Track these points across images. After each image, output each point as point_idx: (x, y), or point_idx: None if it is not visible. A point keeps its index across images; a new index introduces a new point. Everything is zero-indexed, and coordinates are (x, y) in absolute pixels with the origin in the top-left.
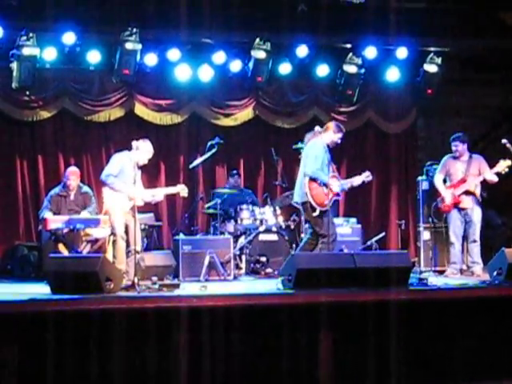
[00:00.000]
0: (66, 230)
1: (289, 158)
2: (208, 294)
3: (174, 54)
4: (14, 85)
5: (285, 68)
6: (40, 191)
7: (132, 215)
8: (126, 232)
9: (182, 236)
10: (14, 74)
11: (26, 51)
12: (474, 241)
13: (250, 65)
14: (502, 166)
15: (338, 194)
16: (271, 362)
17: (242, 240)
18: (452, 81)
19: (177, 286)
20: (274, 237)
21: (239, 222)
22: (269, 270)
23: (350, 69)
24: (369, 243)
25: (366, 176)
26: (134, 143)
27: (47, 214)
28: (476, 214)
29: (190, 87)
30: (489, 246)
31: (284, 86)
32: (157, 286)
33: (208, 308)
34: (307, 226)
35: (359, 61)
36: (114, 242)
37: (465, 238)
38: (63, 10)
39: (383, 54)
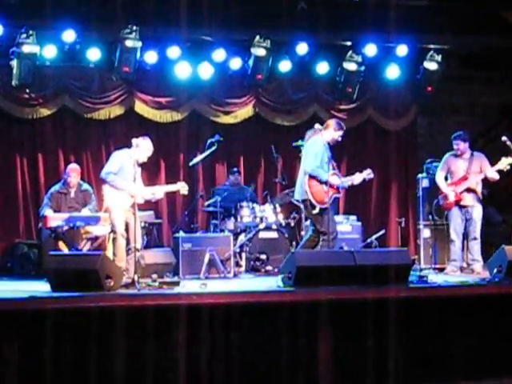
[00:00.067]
0: (66, 228)
1: (289, 156)
2: (208, 292)
3: (173, 51)
4: (14, 82)
5: (285, 65)
6: (40, 189)
7: (132, 213)
8: (126, 230)
9: (181, 234)
10: (14, 71)
11: (26, 49)
12: (475, 238)
13: (250, 62)
14: (504, 163)
15: (338, 192)
16: (271, 359)
17: (242, 238)
18: (452, 78)
19: (177, 283)
20: (274, 234)
21: (239, 219)
22: (269, 268)
23: (350, 66)
24: (369, 241)
25: (367, 174)
26: (134, 141)
27: (47, 212)
28: (477, 212)
29: (190, 85)
30: (489, 244)
31: (284, 83)
32: (157, 284)
33: (208, 306)
34: (308, 223)
35: (359, 58)
36: (114, 239)
37: (465, 235)
38: (63, 8)
39: (383, 51)
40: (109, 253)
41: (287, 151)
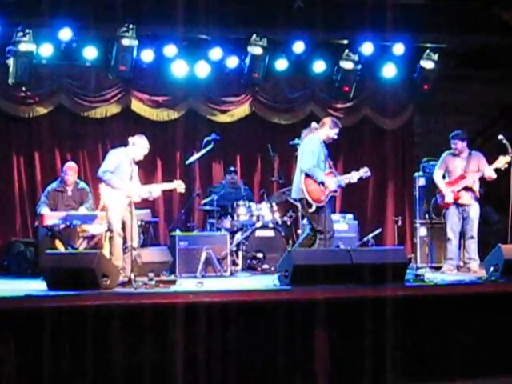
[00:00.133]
0: (62, 226)
1: (285, 154)
2: (204, 290)
3: (170, 50)
4: (10, 81)
5: (281, 64)
6: (36, 187)
7: (129, 211)
8: (123, 228)
9: (178, 232)
10: (11, 70)
11: (23, 47)
12: (472, 237)
13: (247, 61)
14: (502, 161)
15: (334, 190)
16: (267, 357)
17: (239, 236)
18: (448, 77)
19: (173, 282)
20: (270, 233)
21: (236, 218)
22: (265, 266)
23: (347, 65)
24: (365, 239)
25: (364, 172)
26: (131, 139)
27: (44, 210)
28: (474, 211)
29: (187, 83)
30: (485, 243)
31: (280, 82)
32: (153, 282)
33: (204, 304)
34: (305, 221)
35: (356, 57)
36: (111, 238)
37: (462, 234)
38: (59, 7)
39: (380, 50)
40: (105, 251)
41: (284, 150)
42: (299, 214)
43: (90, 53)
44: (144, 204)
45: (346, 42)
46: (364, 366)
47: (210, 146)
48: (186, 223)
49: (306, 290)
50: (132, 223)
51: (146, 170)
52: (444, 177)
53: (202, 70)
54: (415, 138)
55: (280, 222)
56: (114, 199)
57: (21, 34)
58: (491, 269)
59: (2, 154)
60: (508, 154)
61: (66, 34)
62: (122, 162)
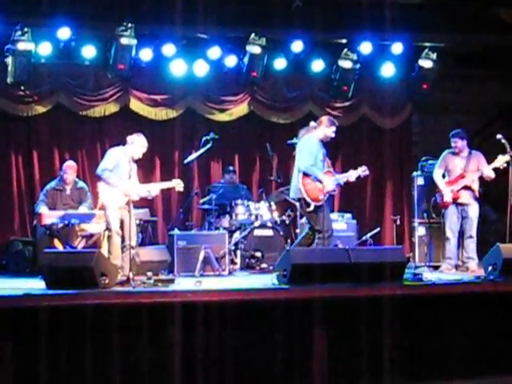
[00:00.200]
0: (60, 225)
1: (284, 154)
2: (203, 289)
3: (169, 49)
4: (9, 80)
5: (280, 63)
6: (35, 186)
7: (127, 210)
8: (121, 227)
9: (176, 231)
10: (9, 68)
11: (21, 46)
12: (471, 236)
13: (245, 60)
14: (500, 161)
15: (333, 189)
16: (265, 357)
17: (237, 235)
18: (447, 76)
19: (172, 281)
20: (269, 232)
21: (234, 217)
22: (264, 265)
23: (345, 64)
24: (364, 238)
25: (362, 170)
26: (129, 138)
27: (42, 209)
28: (473, 210)
29: (185, 82)
30: (484, 242)
31: (279, 81)
32: (152, 281)
33: (203, 303)
34: (304, 221)
35: (354, 56)
36: (109, 237)
37: (461, 233)
38: (58, 5)
39: (378, 49)
40: (104, 250)
41: (282, 149)
42: (297, 213)
43: (89, 52)
44: (142, 203)
45: (344, 41)
46: (362, 365)
47: (209, 145)
48: (185, 222)
49: (305, 289)
50: (130, 222)
51: (145, 168)
52: (444, 176)
53: (201, 69)
54: (414, 137)
55: (278, 221)
56: (112, 198)
57: (19, 32)
58: (490, 268)
59: (1, 153)
60: (507, 154)
61: (64, 32)
62: (121, 160)
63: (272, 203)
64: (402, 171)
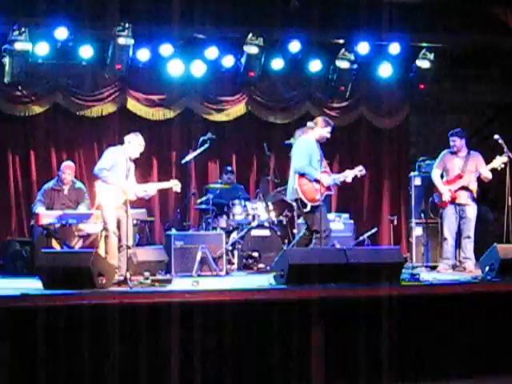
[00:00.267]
0: (58, 225)
1: (281, 154)
2: (200, 290)
3: (166, 49)
4: (6, 80)
5: (277, 63)
6: (32, 186)
7: (124, 210)
8: (118, 227)
9: (174, 231)
10: (7, 68)
11: (19, 46)
12: (468, 237)
13: (243, 60)
14: (498, 162)
15: (329, 189)
16: (263, 357)
17: (235, 235)
18: (444, 77)
19: (169, 281)
20: (266, 232)
21: (231, 217)
22: (261, 266)
23: (343, 64)
24: (361, 239)
25: (359, 170)
26: (126, 137)
27: (39, 209)
28: (471, 210)
29: (183, 82)
30: (481, 242)
31: (276, 81)
32: (149, 281)
33: (200, 303)
34: (301, 221)
35: (352, 56)
36: (106, 237)
37: (458, 233)
38: (55, 5)
39: (376, 49)
40: (101, 250)
41: (280, 149)
42: (295, 213)
43: (86, 52)
44: (140, 203)
45: (342, 41)
46: (359, 365)
47: (206, 145)
48: (182, 222)
49: (302, 289)
50: (127, 222)
51: (142, 168)
52: (442, 176)
53: (198, 69)
54: (411, 137)
55: (276, 222)
56: (109, 198)
57: (17, 32)
58: (487, 268)
59: None
60: (504, 154)
61: (62, 32)
62: (119, 160)
63: (269, 203)
64: (400, 171)
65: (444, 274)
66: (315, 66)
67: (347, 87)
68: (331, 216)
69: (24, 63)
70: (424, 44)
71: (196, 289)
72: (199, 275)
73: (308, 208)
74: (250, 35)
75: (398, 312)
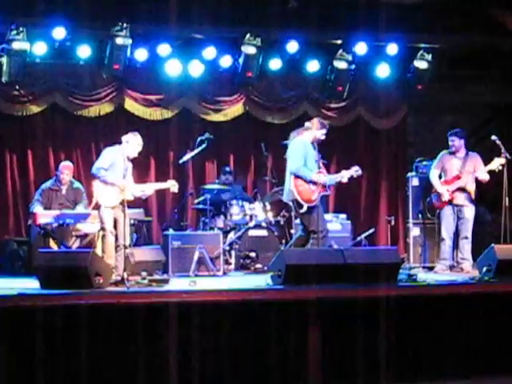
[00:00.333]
0: (55, 225)
1: (279, 154)
2: (197, 290)
3: (164, 49)
4: (3, 79)
5: (275, 64)
6: (30, 186)
7: (121, 210)
8: (115, 227)
9: (171, 231)
10: (4, 68)
11: (16, 45)
12: (466, 237)
13: (241, 60)
14: (496, 163)
15: (325, 190)
16: (260, 357)
17: (232, 235)
18: (442, 77)
19: (166, 281)
20: (263, 232)
21: (229, 217)
22: (258, 266)
23: (341, 65)
24: (358, 239)
25: (354, 170)
26: (124, 137)
27: (37, 209)
28: (469, 211)
29: (180, 82)
30: (478, 243)
31: (274, 81)
32: (146, 281)
33: (197, 303)
34: (298, 222)
35: (349, 57)
36: (104, 236)
37: (456, 234)
38: (53, 5)
39: (374, 50)
40: (98, 250)
41: (277, 149)
42: (292, 213)
43: (84, 51)
44: (137, 203)
45: (339, 41)
46: (357, 366)
47: (204, 146)
48: (179, 222)
49: (299, 289)
50: (124, 222)
51: (140, 168)
52: (440, 176)
53: (196, 69)
54: (409, 137)
55: (273, 222)
56: (106, 197)
57: (15, 32)
58: (484, 269)
59: None
60: (502, 155)
61: (59, 32)
62: (117, 159)
63: (267, 203)
64: (397, 172)
65: (441, 274)
66: (313, 66)
67: (345, 87)
68: (328, 216)
69: (22, 63)
70: (422, 45)
71: (193, 289)
72: (196, 275)
73: (304, 209)
74: (248, 35)
75: (396, 312)
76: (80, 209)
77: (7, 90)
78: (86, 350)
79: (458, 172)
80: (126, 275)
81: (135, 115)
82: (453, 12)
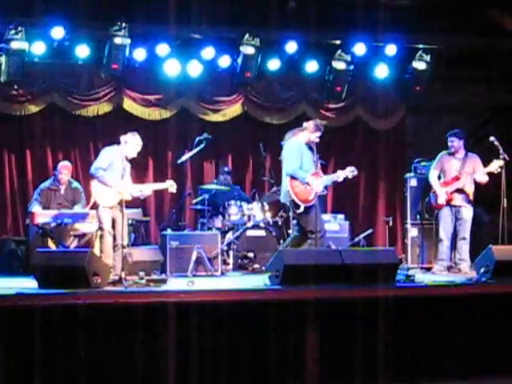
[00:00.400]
0: (53, 225)
1: (277, 154)
2: (195, 290)
3: (162, 49)
4: (2, 79)
5: (274, 64)
6: (28, 186)
7: (119, 210)
8: (113, 227)
9: (169, 231)
10: (3, 67)
11: (15, 45)
12: (464, 238)
13: (239, 60)
14: (495, 165)
15: (322, 190)
16: (258, 357)
17: (230, 236)
18: (441, 78)
19: (164, 281)
20: (261, 232)
21: (227, 217)
22: (256, 266)
23: (339, 65)
24: (356, 240)
25: (350, 171)
26: (123, 137)
27: (35, 208)
28: (467, 212)
29: (179, 82)
30: (476, 244)
31: (273, 81)
32: (144, 281)
33: (195, 303)
34: (295, 222)
35: (348, 57)
36: (102, 236)
37: (454, 235)
38: (52, 5)
39: (372, 50)
40: (96, 250)
41: (275, 149)
42: (290, 213)
43: (83, 51)
44: (135, 203)
45: (338, 42)
46: (355, 366)
47: (202, 146)
48: (177, 222)
49: (297, 289)
50: (122, 222)
51: (138, 168)
52: (439, 177)
53: (195, 69)
54: (407, 138)
55: (271, 222)
56: (104, 197)
57: (13, 31)
58: (482, 270)
59: None
60: (500, 157)
61: (58, 32)
62: (115, 159)
63: (265, 204)
64: (395, 172)
65: (439, 275)
66: (311, 66)
67: (343, 88)
68: (326, 217)
69: (20, 62)
70: (420, 45)
71: (191, 289)
72: (194, 275)
73: (301, 209)
74: (247, 35)
75: (394, 313)
76: (78, 209)
77: (5, 90)
78: (84, 349)
79: (457, 173)
80: (123, 275)
81: (134, 115)
82: (451, 13)
